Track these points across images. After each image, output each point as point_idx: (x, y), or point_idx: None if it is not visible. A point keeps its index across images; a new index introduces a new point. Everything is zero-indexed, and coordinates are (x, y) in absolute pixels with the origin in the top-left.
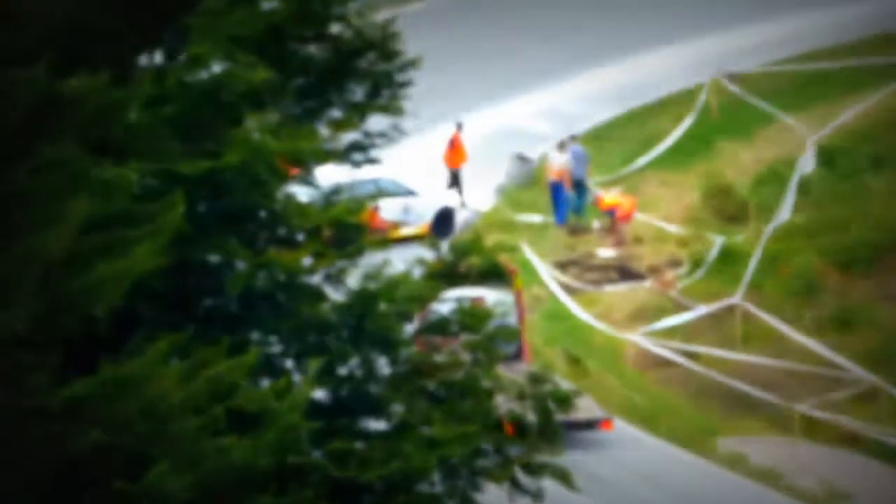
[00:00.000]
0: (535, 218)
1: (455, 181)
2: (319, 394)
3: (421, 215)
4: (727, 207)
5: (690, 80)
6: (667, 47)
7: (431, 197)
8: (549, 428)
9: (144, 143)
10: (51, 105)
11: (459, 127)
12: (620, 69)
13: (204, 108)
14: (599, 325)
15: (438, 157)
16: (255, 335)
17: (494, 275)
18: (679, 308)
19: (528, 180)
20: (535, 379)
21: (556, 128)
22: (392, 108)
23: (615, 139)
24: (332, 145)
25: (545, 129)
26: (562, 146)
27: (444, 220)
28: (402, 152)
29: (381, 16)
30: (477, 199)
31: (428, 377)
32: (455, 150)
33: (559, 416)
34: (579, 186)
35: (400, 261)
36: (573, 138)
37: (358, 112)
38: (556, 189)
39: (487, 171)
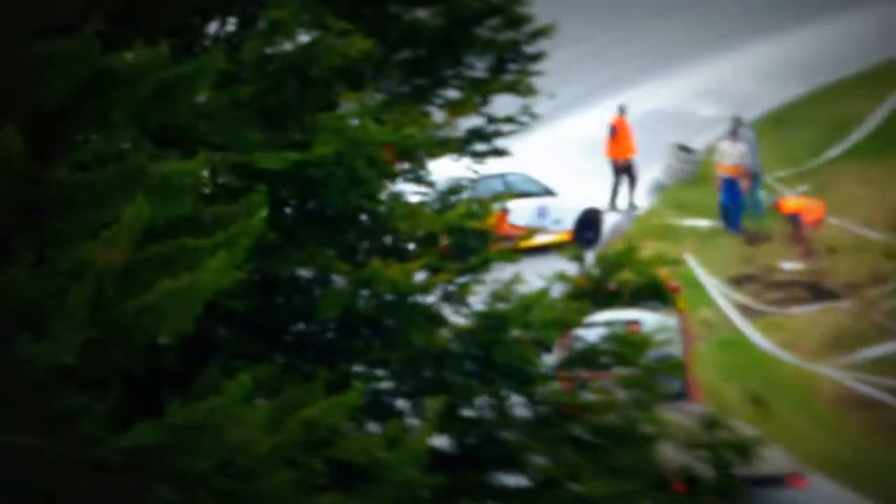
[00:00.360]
0: (702, 223)
1: (624, 176)
2: (440, 441)
3: (560, 219)
4: None
5: (894, 49)
6: (860, 8)
7: (573, 196)
8: (726, 484)
9: (216, 130)
10: (101, 84)
11: (622, 110)
12: (800, 37)
13: (288, 88)
14: (786, 356)
15: (579, 147)
16: (357, 368)
17: (653, 293)
18: (886, 334)
19: (691, 176)
20: (708, 423)
21: (725, 111)
22: (521, 87)
23: (798, 124)
24: (449, 133)
25: (711, 113)
26: (734, 133)
27: (589, 226)
28: (536, 141)
29: None
30: (629, 199)
31: (574, 420)
32: (620, 139)
33: (739, 470)
34: (754, 182)
35: (535, 276)
36: (740, 123)
37: (479, 91)
38: (729, 187)
39: (641, 165)
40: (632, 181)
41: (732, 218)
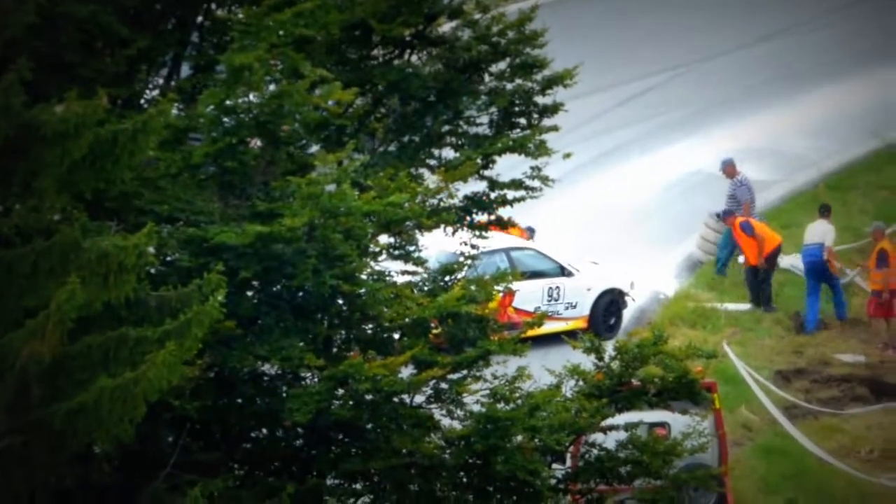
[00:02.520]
0: (743, 307)
1: (760, 284)
2: None
3: (575, 303)
4: None
5: None
6: None
7: (590, 276)
8: None
9: (164, 198)
10: (26, 141)
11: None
12: (861, 86)
13: (252, 147)
14: (841, 466)
15: (599, 218)
16: (331, 481)
17: (684, 391)
18: None
19: (732, 252)
20: None
21: (774, 173)
22: (531, 146)
23: (862, 188)
24: (444, 200)
25: (756, 176)
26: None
27: (609, 311)
28: (548, 211)
29: (512, 7)
30: (654, 278)
31: None
32: (756, 238)
33: None
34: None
35: (544, 370)
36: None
37: (481, 151)
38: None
39: (669, 237)
40: (764, 291)
41: (811, 314)
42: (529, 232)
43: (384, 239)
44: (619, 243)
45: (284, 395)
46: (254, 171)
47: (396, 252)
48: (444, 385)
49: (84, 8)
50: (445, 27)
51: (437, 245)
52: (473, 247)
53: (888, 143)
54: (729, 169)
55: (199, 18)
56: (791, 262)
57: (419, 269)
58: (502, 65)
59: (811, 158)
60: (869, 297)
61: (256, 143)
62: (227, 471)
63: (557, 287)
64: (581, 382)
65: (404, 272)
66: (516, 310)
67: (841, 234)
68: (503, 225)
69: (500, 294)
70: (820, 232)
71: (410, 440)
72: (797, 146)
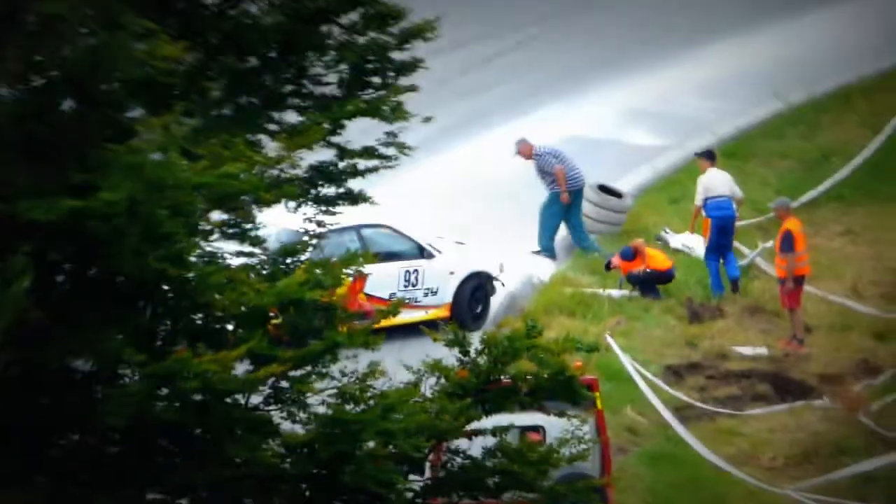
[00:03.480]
0: (629, 293)
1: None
2: None
3: (436, 288)
4: None
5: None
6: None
7: (453, 258)
8: None
9: None
10: None
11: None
12: (763, 42)
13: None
14: (742, 475)
15: (463, 190)
16: (153, 496)
17: (560, 390)
18: (880, 444)
19: (618, 229)
20: None
21: (663, 136)
22: (387, 109)
23: (760, 157)
24: (286, 171)
25: (643, 142)
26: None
27: (475, 298)
28: (405, 183)
29: None
30: (527, 260)
31: None
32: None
33: None
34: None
35: (399, 366)
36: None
37: (329, 115)
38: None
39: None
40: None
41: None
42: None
43: (217, 216)
44: (487, 220)
45: (99, 395)
46: (67, 137)
47: (231, 230)
48: (284, 383)
49: None
50: None
51: (278, 223)
52: (319, 224)
53: (791, 106)
54: (523, 148)
55: None
56: (683, 241)
57: (257, 251)
58: (354, 15)
59: (705, 121)
60: (779, 287)
61: (71, 103)
62: (28, 482)
63: (416, 270)
64: (443, 380)
65: (240, 253)
66: (368, 296)
67: (739, 209)
68: (354, 199)
69: (350, 279)
70: (722, 181)
71: (246, 447)
72: (690, 108)
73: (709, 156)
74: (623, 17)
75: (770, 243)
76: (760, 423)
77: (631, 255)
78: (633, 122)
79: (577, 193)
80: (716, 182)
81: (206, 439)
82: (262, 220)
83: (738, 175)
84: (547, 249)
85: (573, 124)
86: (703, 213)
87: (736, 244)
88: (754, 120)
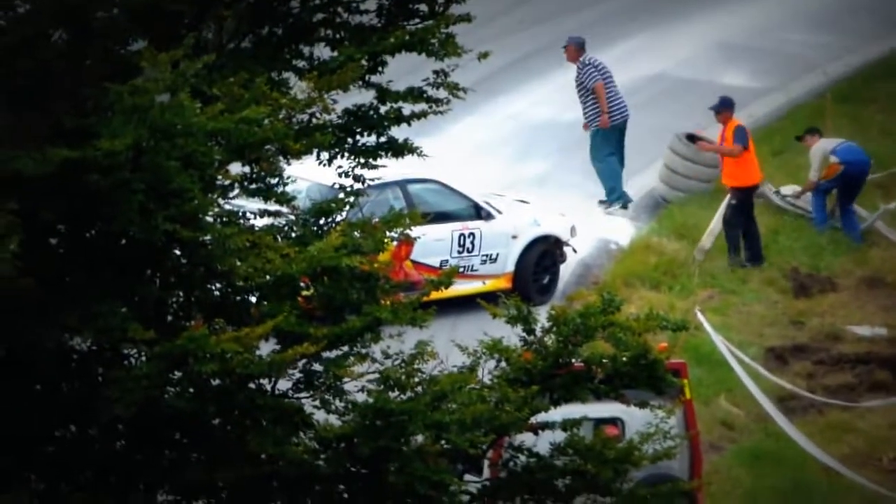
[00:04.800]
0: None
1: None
2: None
3: (496, 255)
4: None
5: None
6: None
7: (517, 218)
8: None
9: None
10: None
11: (724, 108)
12: None
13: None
14: (856, 478)
15: (527, 140)
16: (164, 497)
17: (642, 376)
18: None
19: (710, 185)
20: None
21: (762, 77)
22: (436, 42)
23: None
24: (317, 116)
25: (740, 82)
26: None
27: (542, 266)
28: (459, 132)
29: None
30: (603, 222)
31: None
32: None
33: None
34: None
35: (453, 347)
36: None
37: (367, 48)
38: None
39: (626, 171)
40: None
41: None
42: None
43: (236, 168)
44: (556, 175)
45: (101, 379)
46: (58, 75)
47: (253, 186)
48: (317, 366)
49: None
50: None
51: (309, 177)
52: (357, 179)
53: None
54: (571, 50)
55: None
56: (789, 194)
57: (284, 210)
58: None
59: (813, 60)
60: None
61: (61, 35)
62: (21, 483)
63: (471, 234)
64: (503, 364)
65: (264, 213)
66: (415, 264)
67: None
68: (398, 150)
69: (394, 243)
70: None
71: (272, 441)
72: (794, 43)
73: (814, 132)
74: None
75: (893, 204)
76: (879, 417)
77: (744, 137)
78: (727, 59)
79: (618, 129)
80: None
81: (226, 432)
82: (290, 174)
83: (854, 124)
84: (616, 194)
85: (659, 62)
86: (834, 158)
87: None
88: (872, 57)
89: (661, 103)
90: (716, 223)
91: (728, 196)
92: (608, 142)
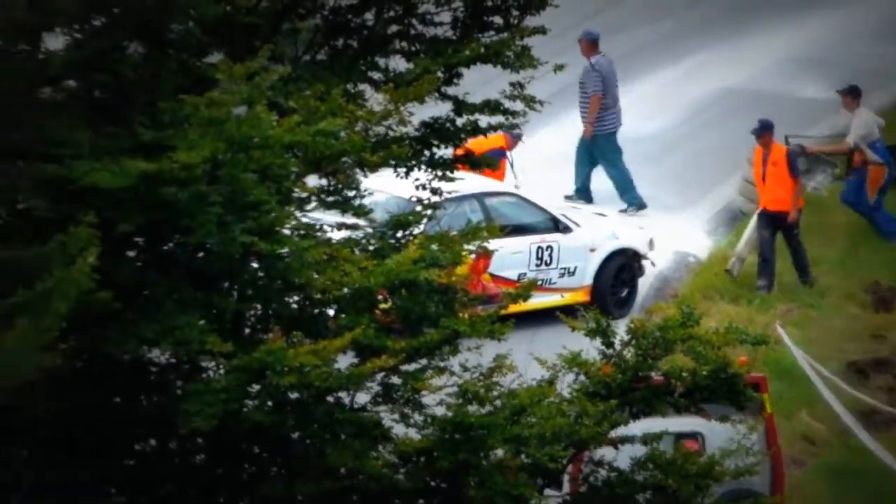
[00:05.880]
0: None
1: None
2: None
3: (574, 267)
4: None
5: None
6: None
7: (594, 231)
8: None
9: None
10: None
11: (765, 130)
12: None
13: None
14: None
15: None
16: None
17: (722, 390)
18: None
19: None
20: None
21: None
22: (511, 54)
23: None
24: (393, 128)
25: (817, 92)
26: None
27: (620, 280)
28: (537, 143)
29: None
30: (681, 235)
31: None
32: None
33: None
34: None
35: (532, 360)
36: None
37: (443, 60)
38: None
39: (701, 179)
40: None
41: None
42: (514, 139)
43: (313, 181)
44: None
45: (179, 392)
46: (135, 88)
47: (330, 198)
48: (395, 379)
49: None
50: None
51: (386, 189)
52: (435, 191)
53: None
54: (587, 44)
55: None
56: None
57: (361, 222)
58: None
59: (889, 72)
60: None
61: (137, 49)
62: (101, 497)
63: (549, 246)
64: (582, 377)
65: (341, 226)
66: (493, 277)
67: None
68: (474, 163)
69: (472, 256)
70: (875, 123)
71: (351, 455)
72: (869, 57)
73: (854, 92)
74: None
75: None
76: None
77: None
78: (802, 72)
79: (608, 137)
80: (872, 124)
81: (304, 445)
82: (367, 187)
83: None
84: (636, 199)
85: (731, 74)
86: (871, 156)
87: None
88: None
89: (736, 117)
90: (745, 243)
91: (760, 219)
92: (617, 147)
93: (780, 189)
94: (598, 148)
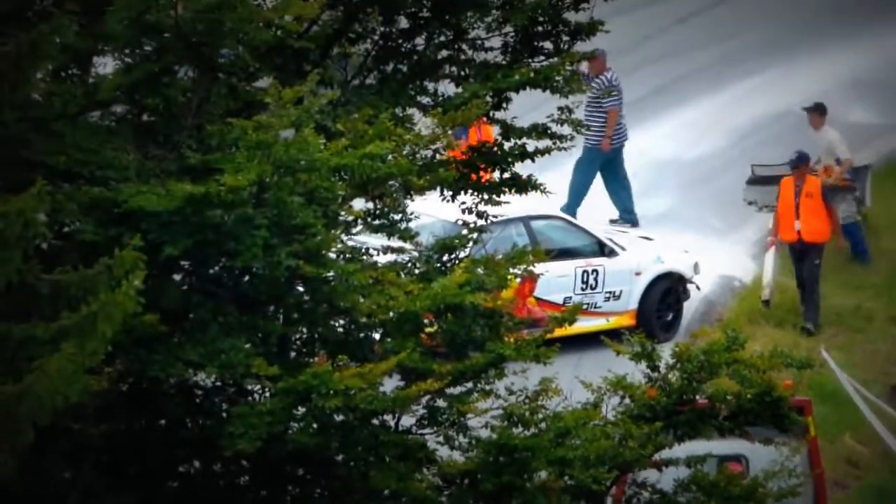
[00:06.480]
0: (851, 299)
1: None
2: None
3: (619, 291)
4: None
5: None
6: None
7: (640, 256)
8: None
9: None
10: None
11: (802, 163)
12: None
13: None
14: None
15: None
16: None
17: (766, 414)
18: None
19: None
20: None
21: (889, 115)
22: (560, 78)
23: None
24: (441, 152)
25: (864, 118)
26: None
27: (665, 304)
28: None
29: None
30: (726, 259)
31: None
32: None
33: None
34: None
35: (577, 383)
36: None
37: (492, 85)
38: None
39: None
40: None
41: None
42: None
43: (360, 204)
44: (679, 211)
45: (224, 415)
46: (183, 111)
47: (377, 222)
48: (440, 402)
49: None
50: None
51: (432, 213)
52: (481, 215)
53: None
54: (596, 62)
55: None
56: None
57: (407, 246)
58: None
59: None
60: None
61: (186, 72)
62: None
63: (595, 270)
64: (627, 400)
65: (387, 249)
66: (539, 301)
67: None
68: (522, 186)
69: (518, 280)
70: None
71: (395, 477)
72: None
73: (820, 109)
74: None
75: None
76: None
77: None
78: (856, 96)
79: (617, 151)
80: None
81: (349, 467)
82: (414, 210)
83: None
84: (631, 214)
85: (782, 99)
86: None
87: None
88: None
89: (788, 140)
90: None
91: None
92: (598, 166)
93: (817, 220)
94: (587, 156)
